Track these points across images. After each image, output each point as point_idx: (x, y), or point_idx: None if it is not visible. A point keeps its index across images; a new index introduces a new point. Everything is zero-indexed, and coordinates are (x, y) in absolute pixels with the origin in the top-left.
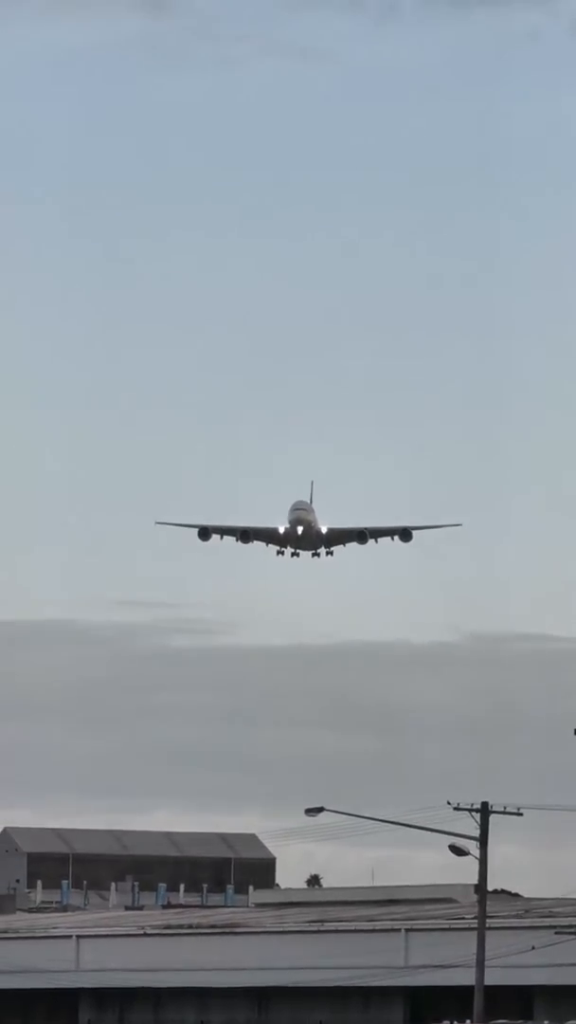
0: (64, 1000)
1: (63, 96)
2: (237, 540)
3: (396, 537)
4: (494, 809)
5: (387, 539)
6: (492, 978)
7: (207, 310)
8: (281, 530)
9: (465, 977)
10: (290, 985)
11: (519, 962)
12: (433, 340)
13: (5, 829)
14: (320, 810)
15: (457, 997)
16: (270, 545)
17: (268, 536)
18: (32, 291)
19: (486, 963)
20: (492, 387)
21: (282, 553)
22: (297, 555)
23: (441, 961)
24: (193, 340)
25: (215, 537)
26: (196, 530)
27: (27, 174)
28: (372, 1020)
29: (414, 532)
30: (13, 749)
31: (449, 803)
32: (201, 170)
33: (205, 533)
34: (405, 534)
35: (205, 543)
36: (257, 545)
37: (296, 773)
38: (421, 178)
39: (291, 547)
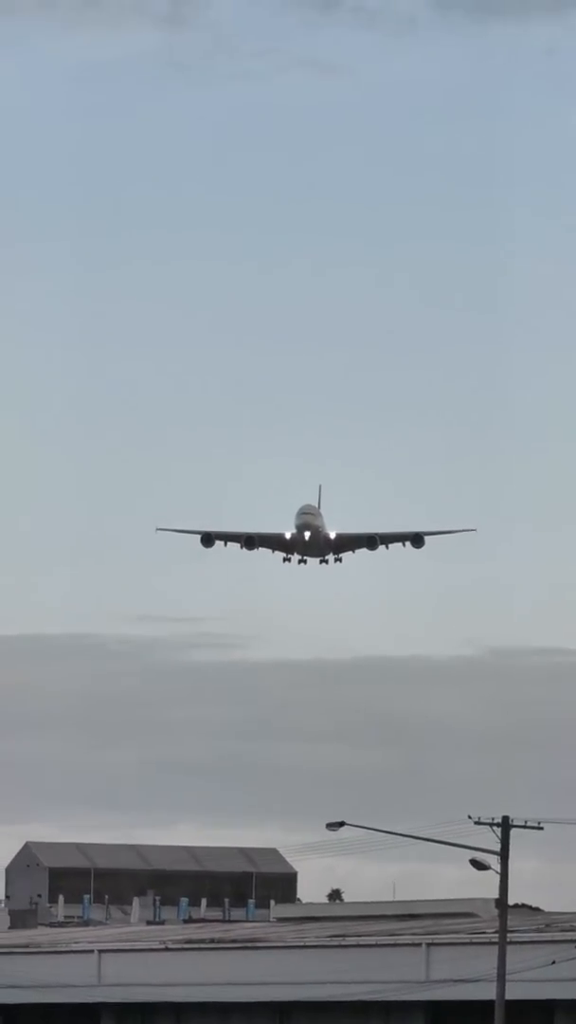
0: (86, 1015)
1: (82, 108)
2: (242, 547)
3: (408, 543)
4: (515, 823)
5: (398, 545)
6: (513, 992)
7: (213, 311)
8: (287, 536)
9: (486, 991)
10: (311, 1000)
11: (540, 976)
12: (445, 339)
13: (27, 844)
14: (341, 824)
15: (478, 1011)
16: (276, 552)
17: (274, 542)
18: (34, 296)
19: (507, 977)
20: (505, 389)
21: (289, 560)
22: (304, 562)
23: (462, 975)
24: (197, 340)
25: (219, 544)
26: (199, 536)
27: (44, 185)
28: None
29: (426, 538)
30: (35, 764)
31: (470, 817)
32: (217, 183)
33: (208, 539)
34: (417, 539)
35: (209, 549)
36: (265, 553)
37: (316, 787)
38: (435, 191)
39: (298, 553)
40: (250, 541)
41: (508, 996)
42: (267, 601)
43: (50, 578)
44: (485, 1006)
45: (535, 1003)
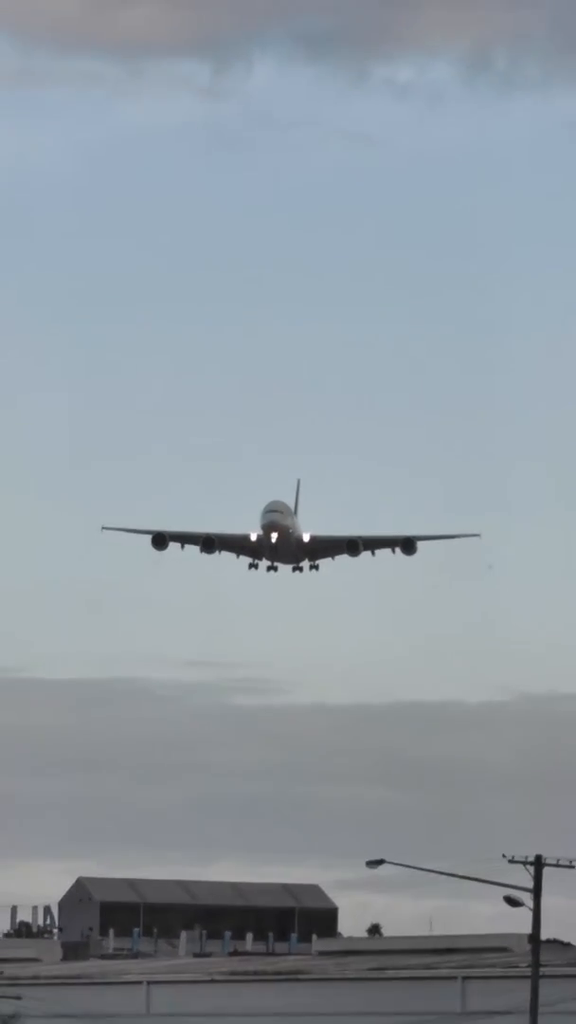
0: None
1: (127, 174)
2: (201, 550)
3: (397, 549)
4: (547, 862)
5: (386, 551)
6: None
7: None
8: (253, 537)
9: (520, 1023)
10: None
11: (571, 1009)
12: (434, 328)
13: (79, 879)
14: (381, 862)
15: None
16: (241, 557)
17: (237, 545)
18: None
19: (540, 1010)
20: (499, 383)
21: (255, 567)
22: (275, 569)
23: (496, 1008)
24: (184, 332)
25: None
26: (150, 537)
27: (91, 246)
28: None
29: (419, 543)
30: (87, 802)
31: (504, 856)
32: (253, 248)
33: (161, 541)
34: (408, 545)
35: (162, 552)
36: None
37: (355, 827)
38: (458, 256)
39: (266, 559)
40: (208, 543)
41: None
42: (307, 646)
43: (101, 626)
44: None
45: None
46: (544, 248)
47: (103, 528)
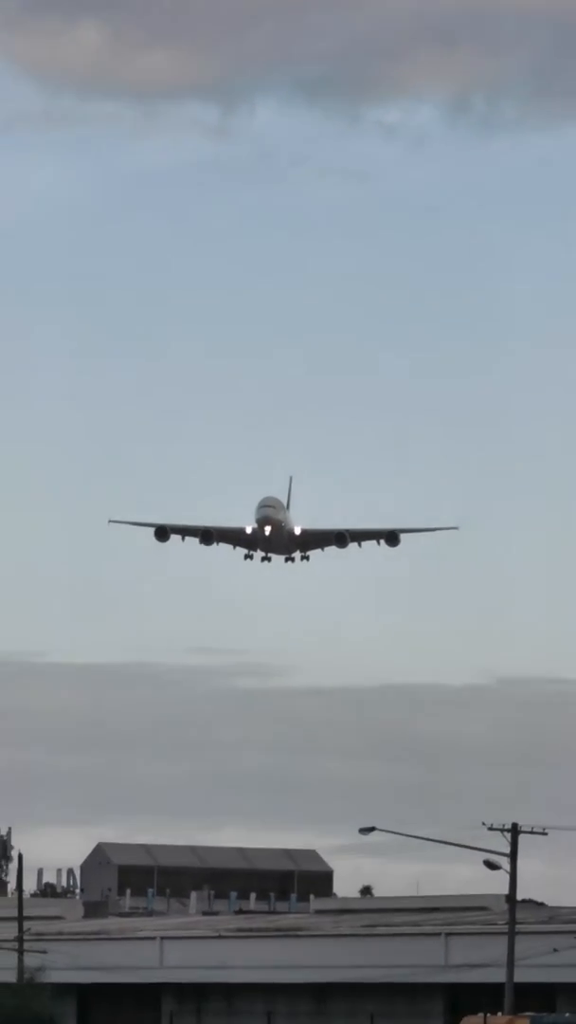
0: (149, 993)
1: (142, 208)
2: (200, 542)
3: (382, 541)
4: (523, 829)
5: (372, 543)
6: (521, 976)
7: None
8: (248, 530)
9: (497, 975)
10: (345, 981)
11: (544, 962)
12: (426, 326)
13: (99, 844)
14: (372, 829)
15: (490, 993)
16: (237, 548)
17: (233, 537)
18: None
19: (516, 963)
20: (490, 380)
21: (251, 557)
22: (268, 559)
23: (476, 961)
24: (176, 325)
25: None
26: (153, 530)
27: (106, 276)
28: (416, 1012)
29: (401, 536)
30: (106, 775)
31: (484, 824)
32: (256, 271)
33: (163, 533)
34: (391, 537)
35: (164, 544)
36: (263, 556)
37: (349, 797)
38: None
39: (260, 550)
40: (207, 535)
41: (516, 980)
42: (302, 634)
43: (116, 615)
44: (496, 988)
45: (540, 986)
46: (519, 270)
47: (110, 521)
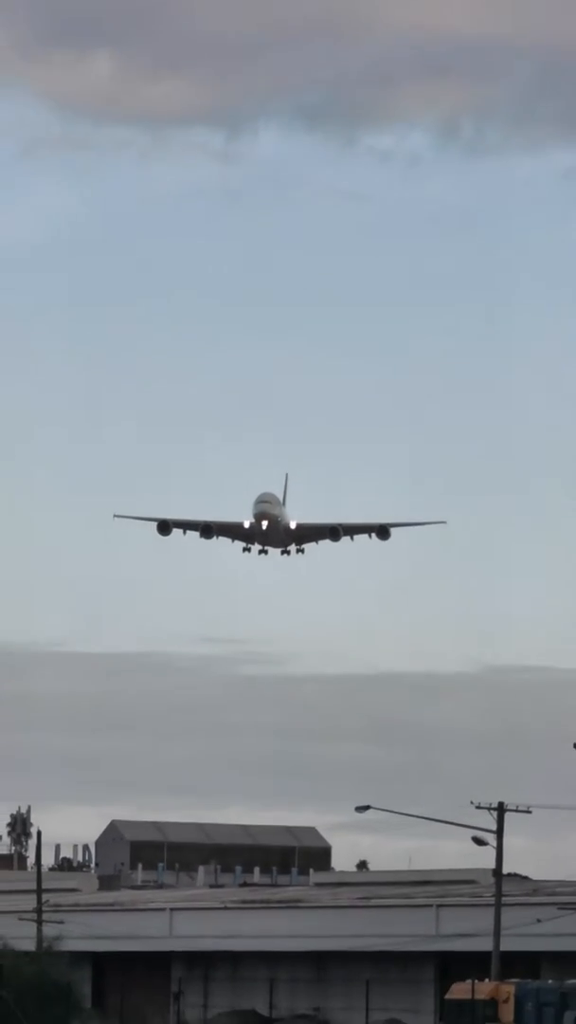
0: (160, 961)
1: (150, 229)
2: (200, 536)
3: (373, 535)
4: (508, 808)
5: (364, 537)
6: (506, 945)
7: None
8: (246, 524)
9: (485, 944)
10: (343, 950)
11: (529, 932)
12: (422, 325)
13: (112, 822)
14: (368, 808)
15: (478, 960)
16: (236, 541)
17: (232, 531)
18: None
19: (502, 933)
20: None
21: (248, 550)
22: (265, 552)
23: (465, 931)
24: (174, 321)
25: (177, 532)
26: (156, 524)
27: (117, 293)
28: (409, 979)
29: (392, 530)
30: (119, 757)
31: (472, 803)
32: (259, 286)
33: (165, 527)
34: (382, 531)
35: (166, 537)
36: (264, 550)
37: (346, 778)
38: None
39: (258, 543)
40: (207, 529)
41: (502, 948)
42: (302, 624)
43: (128, 608)
44: (484, 956)
45: (524, 954)
46: (508, 283)
47: (115, 516)
